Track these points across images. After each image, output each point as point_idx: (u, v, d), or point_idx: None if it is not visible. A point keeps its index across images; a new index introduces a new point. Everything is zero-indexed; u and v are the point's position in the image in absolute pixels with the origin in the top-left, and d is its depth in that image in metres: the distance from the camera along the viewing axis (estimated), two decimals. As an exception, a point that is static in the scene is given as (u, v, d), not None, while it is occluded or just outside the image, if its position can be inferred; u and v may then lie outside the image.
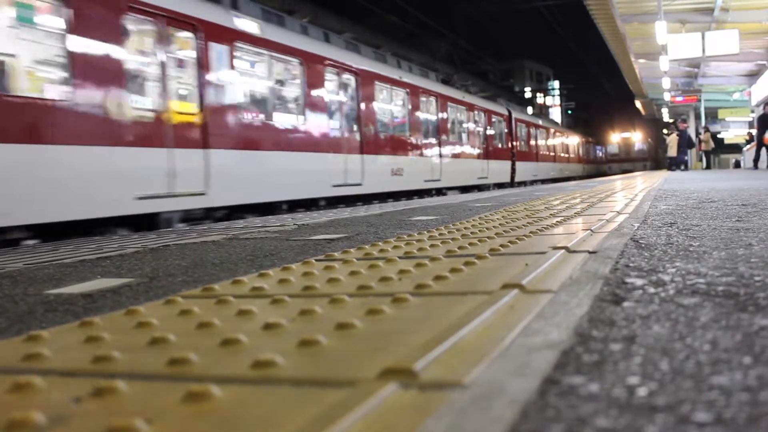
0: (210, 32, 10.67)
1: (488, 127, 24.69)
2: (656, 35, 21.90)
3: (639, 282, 1.93)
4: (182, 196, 9.83)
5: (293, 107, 13.17)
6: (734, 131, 41.88)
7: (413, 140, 18.12)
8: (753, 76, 29.69)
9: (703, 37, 21.31)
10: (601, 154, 60.76)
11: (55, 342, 1.54)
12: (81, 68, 8.36)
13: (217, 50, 10.85)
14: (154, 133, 9.47)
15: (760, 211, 4.31)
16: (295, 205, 13.03)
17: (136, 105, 9.28)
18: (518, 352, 1.23)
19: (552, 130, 37.00)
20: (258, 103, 12.20)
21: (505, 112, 27.50)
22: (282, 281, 2.22)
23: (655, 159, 69.20)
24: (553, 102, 69.10)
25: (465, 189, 21.46)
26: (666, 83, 32.26)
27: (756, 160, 23.90)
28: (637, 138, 61.89)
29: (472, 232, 3.60)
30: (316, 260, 2.76)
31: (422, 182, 18.39)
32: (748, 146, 31.68)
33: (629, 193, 7.63)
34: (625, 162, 59.23)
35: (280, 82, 12.96)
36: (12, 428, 0.96)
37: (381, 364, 1.13)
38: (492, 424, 0.90)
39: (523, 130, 29.91)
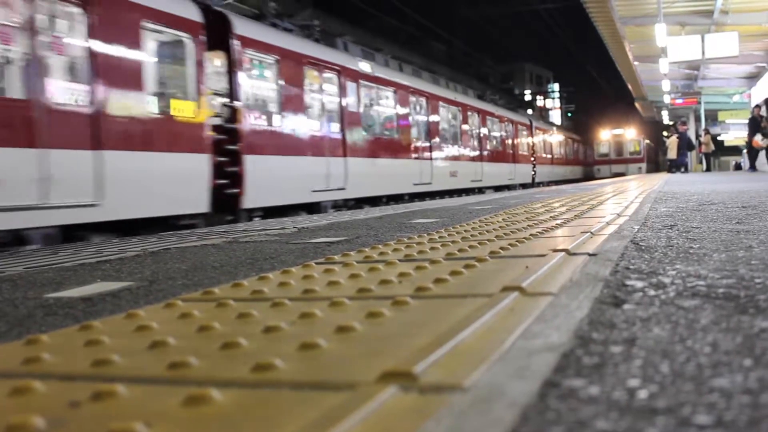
0: (346, 74, 14.95)
1: (515, 136, 29.34)
2: (656, 37, 21.91)
3: (639, 284, 1.93)
4: (331, 191, 13.75)
5: (391, 125, 17.49)
6: (734, 133, 41.87)
7: (464, 149, 22.34)
8: (753, 78, 29.69)
9: (702, 40, 21.31)
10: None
11: (55, 346, 1.53)
12: (292, 107, 12.78)
13: (351, 86, 15.08)
14: (318, 147, 13.40)
15: (760, 213, 4.30)
16: (391, 198, 16.87)
17: (314, 129, 13.42)
18: (518, 354, 1.23)
19: (565, 137, 42.48)
20: (372, 122, 16.55)
21: (528, 122, 32.81)
22: (282, 284, 2.22)
23: (654, 160, 61.75)
24: (553, 105, 69.07)
25: (497, 188, 25.64)
26: (666, 85, 32.26)
27: (752, 162, 23.91)
28: (630, 135, 50.52)
29: (472, 235, 3.60)
30: (316, 263, 2.76)
31: (469, 182, 22.49)
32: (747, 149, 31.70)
33: (629, 195, 7.63)
34: (617, 164, 48.86)
35: (383, 107, 17.19)
36: (11, 432, 0.95)
37: (381, 367, 1.13)
38: (492, 427, 0.90)
39: (540, 137, 35.66)
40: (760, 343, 1.27)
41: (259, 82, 12.24)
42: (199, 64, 10.24)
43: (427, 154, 18.99)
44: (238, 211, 11.02)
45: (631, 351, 1.25)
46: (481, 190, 23.88)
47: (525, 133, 31.17)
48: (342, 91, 14.52)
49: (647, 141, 55.01)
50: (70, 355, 1.44)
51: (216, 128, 10.52)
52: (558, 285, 1.88)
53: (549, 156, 36.37)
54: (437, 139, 19.94)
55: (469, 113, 23.27)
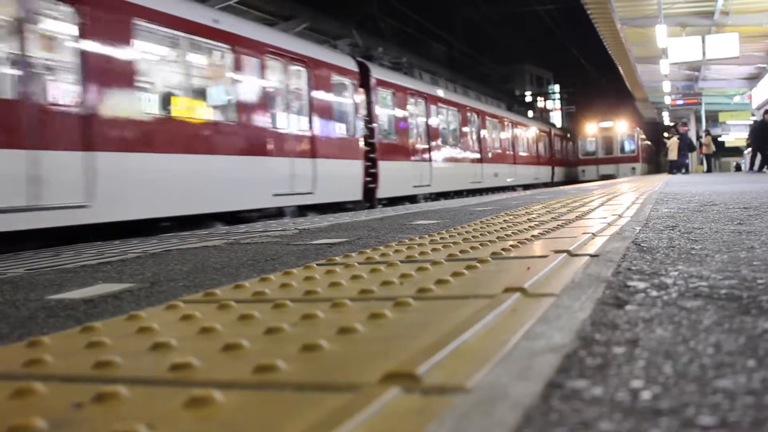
0: (430, 99, 20.05)
1: (538, 141, 34.61)
2: (656, 39, 21.92)
3: (641, 285, 1.93)
4: (423, 186, 18.54)
5: (455, 137, 22.22)
6: (735, 134, 41.87)
7: (494, 154, 26.56)
8: (753, 79, 29.69)
9: (703, 41, 21.32)
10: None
11: (57, 347, 1.53)
12: (402, 127, 17.85)
13: (433, 108, 20.14)
14: (417, 155, 18.57)
15: (761, 214, 4.30)
16: (455, 193, 21.52)
17: (414, 142, 18.40)
18: (521, 355, 1.23)
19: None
20: (446, 135, 21.35)
21: (547, 129, 37.99)
22: (284, 286, 2.22)
23: (653, 160, 56.87)
24: (554, 105, 69.05)
25: (525, 186, 30.34)
26: (666, 86, 32.28)
27: (761, 164, 23.85)
28: (622, 129, 41.37)
29: (473, 236, 3.59)
30: (318, 264, 2.76)
31: (507, 180, 27.74)
32: (748, 150, 31.71)
33: (630, 196, 7.63)
34: (605, 164, 40.64)
35: (451, 123, 21.95)
36: (13, 434, 0.95)
37: (383, 368, 1.13)
38: (495, 428, 0.90)
39: (558, 142, 40.24)
40: (763, 344, 1.27)
41: (384, 109, 17.03)
42: (355, 99, 15.25)
43: (478, 160, 24.30)
44: (374, 200, 15.71)
45: (634, 352, 1.25)
46: (513, 188, 28.68)
47: (546, 138, 32.06)
48: (428, 113, 19.68)
49: (642, 136, 45.97)
50: (71, 356, 1.44)
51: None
52: (560, 286, 1.88)
53: (564, 158, 35.76)
54: (488, 151, 25.64)
55: (506, 123, 29.22)
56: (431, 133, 19.78)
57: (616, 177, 36.92)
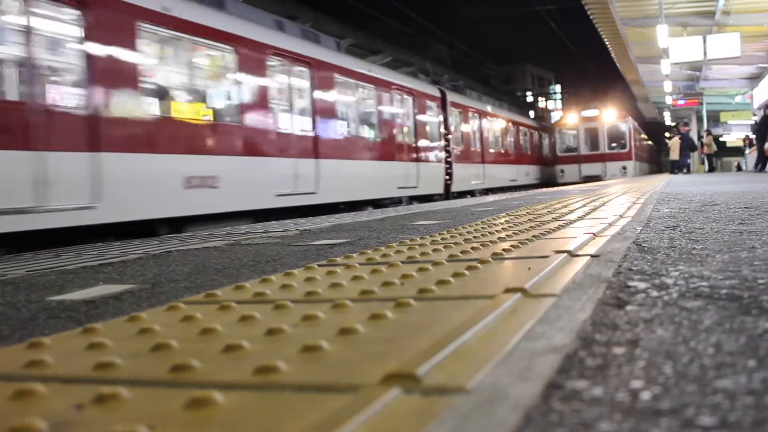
0: (484, 114, 25.94)
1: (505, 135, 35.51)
2: (657, 39, 21.92)
3: (642, 285, 1.93)
4: (477, 182, 24.39)
5: (505, 143, 28.29)
6: (736, 134, 41.86)
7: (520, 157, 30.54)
8: (755, 79, 29.68)
9: (704, 41, 21.32)
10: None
11: (58, 349, 1.53)
12: (467, 137, 23.51)
13: (485, 121, 25.77)
14: (478, 158, 24.29)
15: (762, 213, 4.30)
16: (499, 189, 26.14)
17: (475, 149, 24.35)
18: (521, 356, 1.23)
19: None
20: (497, 142, 27.16)
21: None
22: (284, 287, 2.22)
23: (654, 160, 52.57)
24: (555, 106, 69.02)
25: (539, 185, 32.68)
26: (668, 86, 32.28)
27: (763, 164, 23.80)
28: (609, 118, 33.24)
29: (474, 237, 3.59)
30: (319, 265, 2.76)
31: (532, 180, 31.94)
32: (750, 150, 31.69)
33: (632, 196, 7.62)
34: (589, 161, 32.92)
35: (498, 132, 27.53)
36: (14, 435, 0.96)
37: (384, 369, 1.13)
38: (495, 429, 0.90)
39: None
40: (763, 344, 1.27)
41: (454, 124, 22.13)
42: (439, 117, 20.70)
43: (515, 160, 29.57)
44: (449, 193, 20.93)
45: (634, 352, 1.25)
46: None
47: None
48: (481, 124, 25.01)
49: (636, 128, 37.84)
50: (72, 358, 1.44)
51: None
52: (561, 286, 1.88)
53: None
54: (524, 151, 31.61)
55: (531, 130, 33.85)
56: (483, 142, 25.04)
57: (603, 178, 31.47)
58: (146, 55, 9.61)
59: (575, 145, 33.74)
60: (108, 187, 8.47)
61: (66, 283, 2.94)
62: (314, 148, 13.06)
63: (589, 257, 2.48)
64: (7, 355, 1.54)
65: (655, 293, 1.81)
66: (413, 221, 5.64)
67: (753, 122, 27.05)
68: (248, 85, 11.36)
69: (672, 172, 30.47)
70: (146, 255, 3.95)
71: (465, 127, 23.21)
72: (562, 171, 33.48)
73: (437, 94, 20.95)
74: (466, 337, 1.33)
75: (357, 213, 8.88)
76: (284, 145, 12.11)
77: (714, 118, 40.02)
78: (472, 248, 2.98)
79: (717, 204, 5.58)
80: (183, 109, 10.36)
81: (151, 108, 9.59)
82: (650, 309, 1.61)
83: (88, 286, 2.78)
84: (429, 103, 19.95)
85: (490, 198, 11.70)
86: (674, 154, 30.47)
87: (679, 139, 30.43)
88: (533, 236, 3.36)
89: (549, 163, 34.85)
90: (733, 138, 44.22)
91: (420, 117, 19.04)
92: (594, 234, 3.27)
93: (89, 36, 8.56)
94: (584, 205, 6.04)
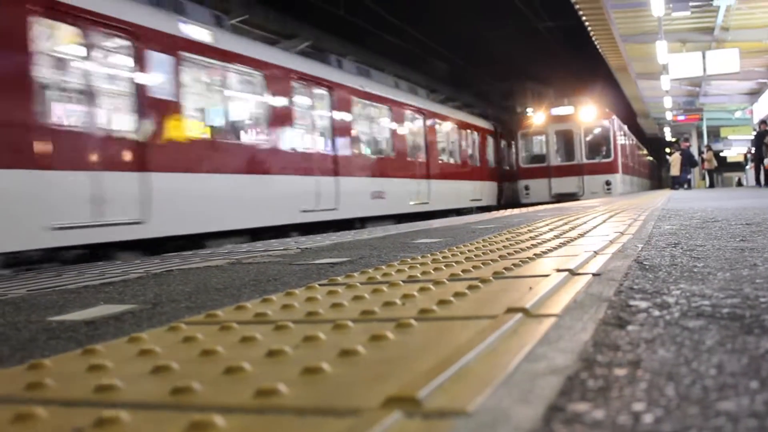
0: (509, 136, 29.09)
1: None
2: (657, 55, 22.00)
3: (643, 305, 1.92)
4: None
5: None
6: (737, 149, 41.92)
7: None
8: (754, 94, 29.78)
9: (703, 57, 21.39)
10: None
11: (58, 370, 1.53)
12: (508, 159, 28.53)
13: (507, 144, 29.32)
14: (493, 176, 27.40)
15: (764, 230, 4.30)
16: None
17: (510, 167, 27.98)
18: (523, 378, 1.22)
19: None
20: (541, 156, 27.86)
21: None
22: (285, 307, 2.21)
23: (652, 175, 49.91)
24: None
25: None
26: (668, 102, 32.34)
27: (765, 178, 23.84)
28: (588, 117, 26.29)
29: (475, 255, 3.59)
30: (320, 285, 2.76)
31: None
32: (750, 165, 31.74)
33: (632, 213, 7.62)
34: (562, 175, 26.09)
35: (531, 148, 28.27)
36: (13, 461, 0.95)
37: (385, 391, 1.13)
38: (497, 454, 0.89)
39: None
40: (765, 365, 1.26)
41: (502, 150, 27.64)
42: (494, 146, 26.35)
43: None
44: (500, 204, 25.32)
45: (636, 374, 1.24)
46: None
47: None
48: (518, 149, 27.76)
49: (625, 132, 30.58)
50: (72, 380, 1.44)
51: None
52: (562, 306, 1.88)
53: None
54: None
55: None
56: (518, 162, 27.25)
57: (580, 197, 24.93)
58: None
59: (543, 154, 26.79)
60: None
61: (67, 302, 2.93)
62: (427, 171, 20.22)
63: (590, 276, 2.48)
64: (7, 377, 1.54)
65: (656, 312, 1.80)
66: (414, 239, 5.64)
67: (753, 137, 27.14)
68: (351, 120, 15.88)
69: (673, 187, 30.50)
70: (147, 274, 3.95)
71: (509, 153, 27.40)
72: (527, 188, 26.51)
73: (492, 128, 27.07)
74: (468, 358, 1.33)
75: (358, 231, 8.87)
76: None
77: (714, 134, 40.10)
78: (473, 267, 2.98)
79: (718, 220, 5.58)
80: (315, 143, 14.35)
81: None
82: (652, 329, 1.61)
83: (89, 306, 2.78)
84: (490, 138, 26.83)
85: (492, 215, 11.70)
86: (675, 170, 30.51)
87: (680, 154, 30.48)
88: (534, 254, 3.36)
89: (512, 178, 27.79)
90: (733, 153, 44.27)
91: (482, 148, 25.75)
92: (595, 252, 3.27)
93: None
94: (585, 223, 6.04)
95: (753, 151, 25.43)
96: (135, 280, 3.65)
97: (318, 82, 14.53)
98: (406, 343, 1.54)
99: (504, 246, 4.05)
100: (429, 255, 3.81)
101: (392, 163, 18.11)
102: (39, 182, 7.87)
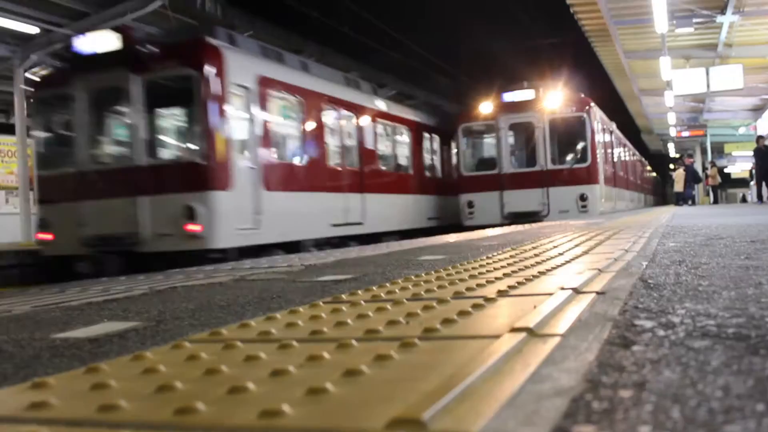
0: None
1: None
2: (661, 71, 22.05)
3: (648, 324, 1.92)
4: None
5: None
6: (741, 165, 41.90)
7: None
8: (758, 110, 29.81)
9: (707, 73, 21.45)
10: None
11: (61, 389, 1.53)
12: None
13: None
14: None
15: (768, 248, 4.28)
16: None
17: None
18: (527, 399, 1.22)
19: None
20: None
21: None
22: (289, 325, 2.21)
23: (656, 191, 47.69)
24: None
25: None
26: (671, 118, 32.38)
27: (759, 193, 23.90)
28: (553, 103, 18.63)
29: (479, 272, 3.58)
30: (324, 303, 2.75)
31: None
32: (754, 182, 31.75)
33: (637, 230, 7.61)
34: (518, 187, 18.87)
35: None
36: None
37: (389, 413, 1.12)
38: (502, 478, 0.89)
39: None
40: (772, 387, 1.26)
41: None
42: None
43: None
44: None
45: (641, 395, 1.24)
46: None
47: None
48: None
49: (609, 128, 23.48)
50: (76, 399, 1.44)
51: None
52: (566, 325, 1.87)
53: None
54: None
55: None
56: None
57: (544, 217, 18.39)
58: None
59: (493, 157, 19.58)
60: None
61: (70, 319, 2.93)
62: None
63: (594, 294, 2.47)
64: (11, 395, 1.53)
65: (661, 332, 1.80)
66: (418, 256, 5.63)
67: (753, 153, 27.18)
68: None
69: (677, 203, 30.49)
70: (151, 291, 3.95)
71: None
72: (470, 205, 19.28)
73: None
74: (472, 379, 1.32)
75: (362, 247, 8.88)
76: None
77: (718, 150, 40.10)
78: (477, 285, 2.98)
79: (722, 238, 5.56)
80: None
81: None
82: (657, 349, 1.60)
83: (93, 323, 2.78)
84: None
85: (496, 231, 11.68)
86: (678, 186, 30.52)
87: (684, 170, 30.49)
88: (539, 272, 3.36)
89: (453, 191, 20.59)
90: (737, 169, 44.25)
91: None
92: (599, 270, 3.26)
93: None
94: (589, 240, 6.03)
95: (755, 167, 25.49)
96: (139, 297, 3.65)
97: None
98: (410, 363, 1.53)
99: (508, 263, 4.04)
100: (433, 272, 3.81)
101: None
102: (325, 200, 14.33)
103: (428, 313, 2.24)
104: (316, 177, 14.23)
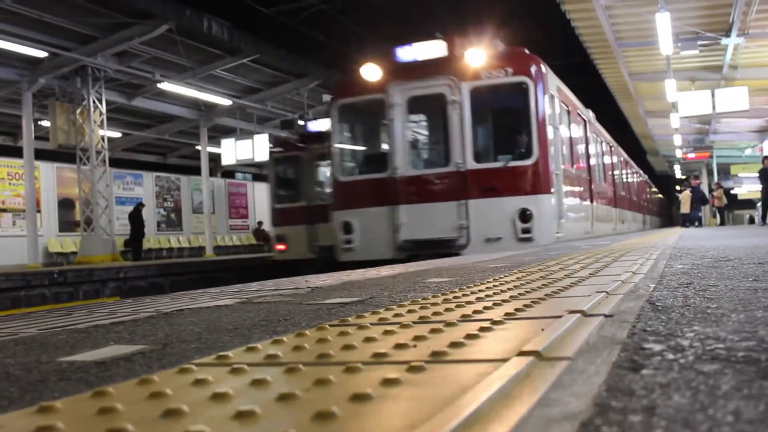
0: None
1: None
2: (666, 93, 22.10)
3: (657, 347, 1.91)
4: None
5: None
6: (747, 187, 41.87)
7: None
8: (764, 131, 29.81)
9: (712, 95, 21.49)
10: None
11: (68, 413, 1.52)
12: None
13: None
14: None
15: (777, 270, 4.27)
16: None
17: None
18: (537, 423, 1.21)
19: None
20: None
21: None
22: (296, 348, 2.20)
23: (665, 212, 48.43)
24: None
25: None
26: (677, 140, 32.40)
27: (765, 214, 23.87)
28: (477, 61, 11.47)
29: (486, 295, 3.58)
30: (330, 326, 2.75)
31: None
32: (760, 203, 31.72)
33: (644, 252, 7.59)
34: (421, 200, 11.87)
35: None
36: None
37: (397, 438, 1.12)
38: (512, 504, 0.88)
39: None
40: (783, 412, 1.25)
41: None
42: None
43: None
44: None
45: (651, 420, 1.23)
46: None
47: None
48: None
49: (571, 102, 15.47)
50: (83, 423, 1.43)
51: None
52: (575, 348, 1.86)
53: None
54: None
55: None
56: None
57: (460, 248, 12.14)
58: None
59: (383, 153, 13.32)
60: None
61: (77, 342, 2.93)
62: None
63: (602, 317, 2.46)
64: (17, 420, 1.53)
65: (670, 356, 1.79)
66: (425, 278, 5.62)
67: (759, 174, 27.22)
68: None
69: (683, 225, 30.43)
70: (158, 313, 3.94)
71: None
72: (348, 228, 12.86)
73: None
74: (480, 403, 1.31)
75: (367, 269, 8.86)
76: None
77: (724, 171, 40.11)
78: (485, 307, 2.97)
79: (730, 259, 5.54)
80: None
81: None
82: (666, 373, 1.59)
83: (99, 346, 2.77)
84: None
85: (502, 254, 11.67)
86: (685, 208, 30.50)
87: (690, 192, 30.47)
88: (546, 294, 3.35)
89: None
90: (744, 190, 44.19)
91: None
92: (607, 293, 3.25)
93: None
94: (596, 261, 6.02)
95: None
96: (145, 320, 3.65)
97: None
98: (418, 386, 1.53)
99: (515, 285, 4.03)
100: (440, 295, 3.80)
101: None
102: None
103: (436, 336, 2.24)
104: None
